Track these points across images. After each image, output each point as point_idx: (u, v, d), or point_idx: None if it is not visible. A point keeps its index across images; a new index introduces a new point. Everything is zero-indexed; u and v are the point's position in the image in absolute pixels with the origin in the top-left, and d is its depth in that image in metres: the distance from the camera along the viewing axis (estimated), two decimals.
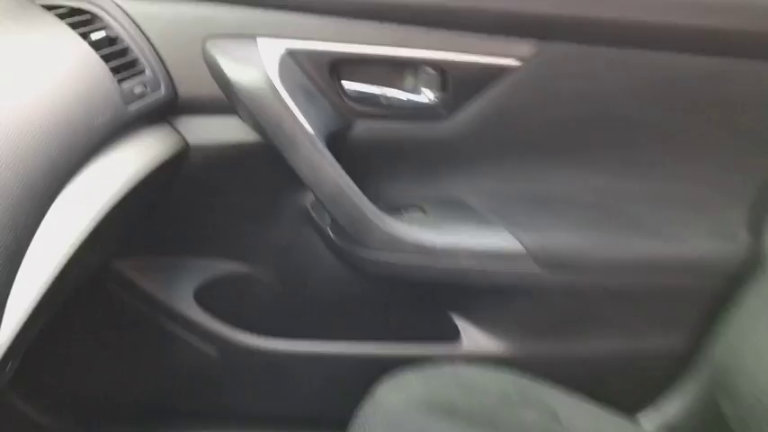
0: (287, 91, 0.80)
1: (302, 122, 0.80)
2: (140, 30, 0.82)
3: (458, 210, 0.93)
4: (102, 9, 0.81)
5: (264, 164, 0.85)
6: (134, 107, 0.74)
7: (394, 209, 0.91)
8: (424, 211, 0.93)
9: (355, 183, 0.84)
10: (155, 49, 0.82)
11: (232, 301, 1.00)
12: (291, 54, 0.83)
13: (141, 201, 0.82)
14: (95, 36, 0.74)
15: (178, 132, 0.85)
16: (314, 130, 0.81)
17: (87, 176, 0.62)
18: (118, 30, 0.80)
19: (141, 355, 1.04)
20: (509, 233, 0.87)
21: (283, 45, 0.83)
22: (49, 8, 0.74)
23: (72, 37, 0.70)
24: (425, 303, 0.98)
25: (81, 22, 0.75)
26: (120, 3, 0.82)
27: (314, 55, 0.84)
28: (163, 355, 1.02)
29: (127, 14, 0.82)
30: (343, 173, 0.82)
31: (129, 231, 0.92)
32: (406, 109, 0.88)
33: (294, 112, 0.79)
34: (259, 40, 0.82)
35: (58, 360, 1.01)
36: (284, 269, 0.98)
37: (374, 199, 0.86)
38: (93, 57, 0.71)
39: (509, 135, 0.90)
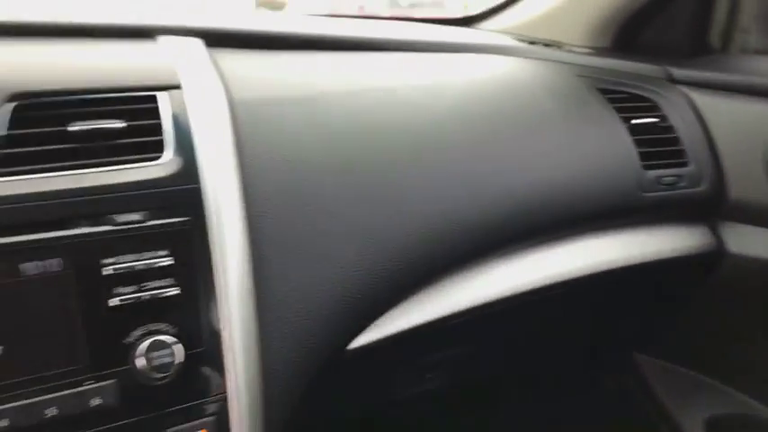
0: None
1: None
2: (701, 122, 0.80)
3: None
4: (665, 98, 0.81)
5: None
6: (653, 195, 0.74)
7: None
8: None
9: None
10: (711, 144, 0.79)
11: None
12: None
13: (637, 289, 0.81)
14: (639, 121, 0.76)
15: (714, 235, 0.80)
16: None
17: (575, 243, 0.69)
18: (673, 119, 0.79)
19: None
20: None
21: None
22: (606, 92, 0.79)
23: (610, 118, 0.75)
24: None
25: (632, 107, 0.78)
26: (688, 92, 0.82)
27: None
28: None
29: (691, 105, 0.81)
30: None
31: (637, 326, 0.90)
32: None
33: None
34: None
35: None
36: None
37: None
38: (623, 139, 0.74)
39: None
